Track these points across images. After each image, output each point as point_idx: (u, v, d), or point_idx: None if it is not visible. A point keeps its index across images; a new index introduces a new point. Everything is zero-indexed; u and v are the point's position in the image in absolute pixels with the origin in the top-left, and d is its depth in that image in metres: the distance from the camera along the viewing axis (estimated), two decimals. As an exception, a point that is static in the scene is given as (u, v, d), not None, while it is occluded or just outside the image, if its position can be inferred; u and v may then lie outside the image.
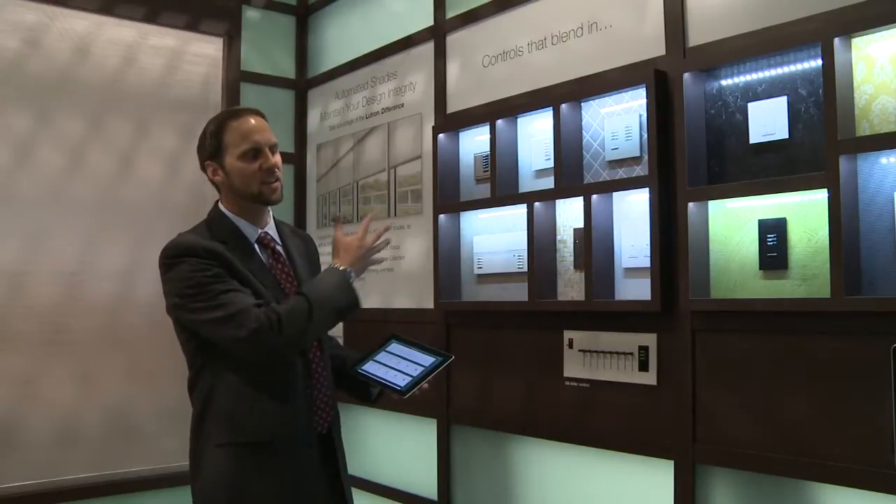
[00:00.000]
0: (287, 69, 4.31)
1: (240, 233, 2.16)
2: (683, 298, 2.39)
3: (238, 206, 2.18)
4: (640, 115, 2.59)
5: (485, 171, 3.12)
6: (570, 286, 2.81)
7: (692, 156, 2.40)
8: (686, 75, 2.40)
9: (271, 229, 2.25)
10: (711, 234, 2.41)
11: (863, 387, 2.03)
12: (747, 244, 2.31)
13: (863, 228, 2.07)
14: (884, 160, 2.05)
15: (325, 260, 2.29)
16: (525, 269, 2.90)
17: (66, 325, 3.53)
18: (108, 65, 3.72)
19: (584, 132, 2.78)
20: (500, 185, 2.97)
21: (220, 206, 2.21)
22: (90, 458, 3.54)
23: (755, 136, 2.29)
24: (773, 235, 2.24)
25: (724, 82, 2.39)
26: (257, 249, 2.18)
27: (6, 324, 3.39)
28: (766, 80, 2.29)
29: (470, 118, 3.18)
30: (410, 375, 2.16)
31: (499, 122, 2.98)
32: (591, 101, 2.75)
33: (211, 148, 2.17)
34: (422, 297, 3.44)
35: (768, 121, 2.26)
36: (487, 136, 3.02)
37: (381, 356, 2.26)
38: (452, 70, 3.35)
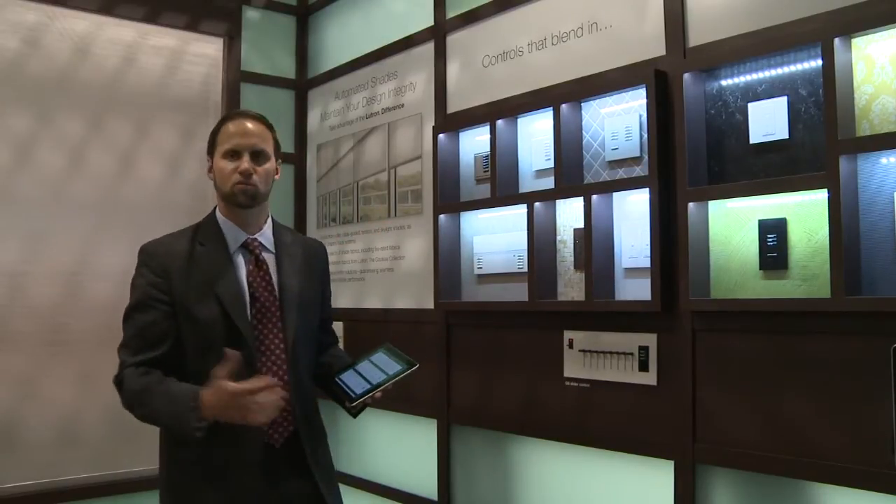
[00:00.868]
0: (287, 69, 4.31)
1: (221, 238, 2.20)
2: (683, 298, 2.39)
3: (225, 207, 2.22)
4: (641, 116, 2.59)
5: (485, 172, 3.12)
6: (571, 286, 2.81)
7: (692, 156, 2.40)
8: (686, 75, 2.40)
9: (264, 236, 2.25)
10: (711, 235, 2.41)
11: (863, 387, 2.03)
12: (747, 244, 2.32)
13: (863, 228, 2.07)
14: (884, 160, 2.05)
15: (340, 269, 2.28)
16: (525, 269, 2.90)
17: (66, 325, 3.53)
18: (109, 65, 3.72)
19: (584, 132, 2.78)
20: (501, 185, 2.97)
21: (216, 209, 2.26)
22: (90, 458, 3.54)
23: (755, 137, 2.29)
24: (774, 235, 2.24)
25: (724, 82, 2.39)
26: (237, 256, 2.19)
27: (6, 324, 3.39)
28: (767, 81, 2.29)
29: (470, 118, 3.18)
30: (370, 384, 2.13)
31: (499, 122, 2.98)
32: (592, 102, 2.75)
33: (209, 146, 2.24)
34: (422, 298, 3.44)
35: (768, 121, 2.26)
36: (487, 137, 3.03)
37: (362, 365, 2.23)
38: (452, 70, 3.35)
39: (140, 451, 3.62)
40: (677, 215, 2.42)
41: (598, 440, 2.67)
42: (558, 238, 2.86)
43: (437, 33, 3.41)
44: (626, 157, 2.64)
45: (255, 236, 2.23)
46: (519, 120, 3.00)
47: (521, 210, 2.90)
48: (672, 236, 2.45)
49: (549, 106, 2.80)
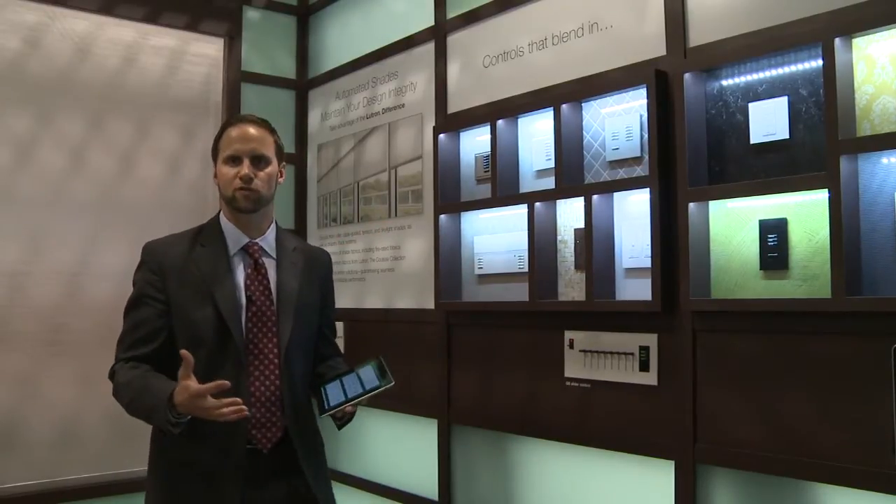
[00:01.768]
0: (288, 69, 4.31)
1: (222, 240, 2.22)
2: (684, 299, 2.39)
3: (229, 211, 2.24)
4: (641, 116, 2.59)
5: (485, 172, 3.12)
6: (571, 286, 2.81)
7: (693, 156, 2.40)
8: (687, 75, 2.40)
9: (266, 241, 2.27)
10: (712, 235, 2.41)
11: (863, 387, 2.03)
12: (748, 244, 2.32)
13: (863, 229, 2.07)
14: (885, 160, 2.05)
15: (341, 269, 2.27)
16: (526, 269, 2.90)
17: (66, 326, 3.53)
18: (109, 65, 3.72)
19: (584, 132, 2.78)
20: (501, 185, 2.97)
21: (220, 212, 2.28)
22: (91, 458, 3.54)
23: (756, 137, 2.29)
24: (774, 236, 2.24)
25: (724, 82, 2.39)
26: (236, 259, 2.21)
27: (6, 324, 3.39)
28: (767, 81, 2.29)
29: (471, 118, 3.18)
30: (345, 397, 2.13)
31: (499, 122, 2.98)
32: (592, 102, 2.75)
33: (213, 150, 2.26)
34: (422, 298, 3.44)
35: (769, 121, 2.26)
36: (488, 137, 3.02)
37: (349, 377, 2.21)
38: (453, 70, 3.35)
39: (140, 451, 3.57)
40: (678, 215, 2.42)
41: (599, 440, 2.67)
42: (559, 238, 2.86)
43: (438, 33, 3.41)
44: (626, 157, 2.64)
45: (257, 240, 2.24)
46: (519, 120, 3.00)
47: (521, 210, 2.90)
48: (672, 236, 2.45)
49: (550, 106, 2.80)
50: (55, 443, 3.46)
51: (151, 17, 3.82)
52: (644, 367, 2.54)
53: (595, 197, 2.63)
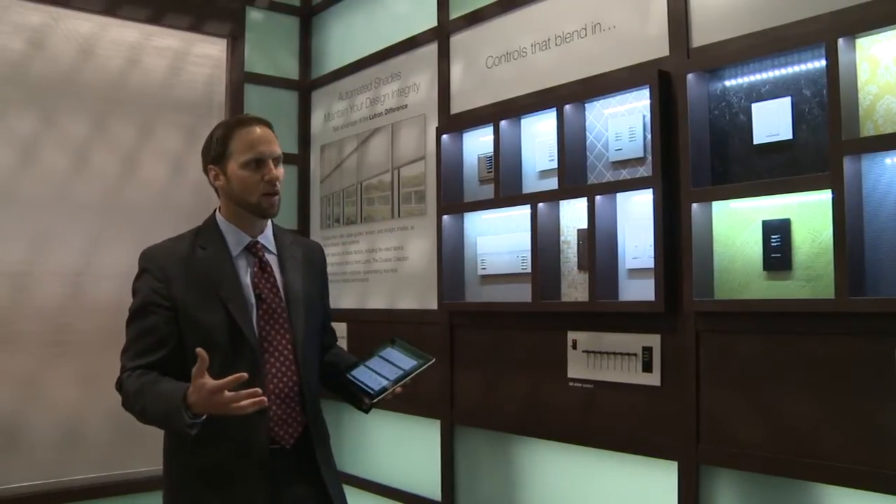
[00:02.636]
0: (291, 70, 4.31)
1: (223, 241, 2.19)
2: (687, 299, 2.39)
3: (234, 213, 2.21)
4: (644, 116, 2.59)
5: (488, 172, 3.12)
6: (574, 287, 2.81)
7: (696, 156, 2.40)
8: (690, 76, 2.40)
9: (266, 238, 2.26)
10: (715, 235, 2.41)
11: (867, 388, 2.03)
12: (751, 245, 2.31)
13: (867, 229, 2.06)
14: (888, 161, 2.05)
15: (332, 270, 2.27)
16: (529, 269, 2.90)
17: (70, 326, 3.54)
18: (112, 66, 3.73)
19: (587, 133, 2.78)
20: (504, 185, 2.97)
21: (217, 213, 2.25)
22: (95, 459, 3.55)
23: (759, 137, 2.29)
24: (777, 236, 2.24)
25: (727, 83, 2.39)
26: (240, 259, 2.19)
27: (10, 324, 3.40)
28: (770, 81, 2.29)
29: (474, 119, 3.18)
30: (387, 379, 2.12)
31: (502, 122, 2.98)
32: (595, 102, 2.75)
33: (216, 153, 2.19)
34: (425, 298, 3.44)
35: (772, 121, 2.26)
36: (491, 137, 3.02)
37: (373, 361, 2.22)
38: (456, 71, 3.35)
39: (144, 451, 3.62)
40: (681, 216, 2.42)
41: (602, 441, 2.67)
42: (562, 239, 2.86)
43: (441, 34, 3.41)
44: (629, 157, 2.64)
45: (258, 239, 2.23)
46: (522, 120, 3.00)
47: (524, 211, 2.90)
48: (676, 237, 2.44)
49: (553, 106, 2.80)
50: (59, 443, 3.47)
51: (155, 18, 3.83)
52: (647, 367, 2.54)
53: (598, 197, 2.63)
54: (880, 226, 2.05)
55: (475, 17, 3.25)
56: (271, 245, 2.27)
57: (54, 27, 3.57)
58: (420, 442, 3.44)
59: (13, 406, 3.38)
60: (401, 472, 3.56)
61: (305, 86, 4.31)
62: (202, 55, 4.00)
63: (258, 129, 2.16)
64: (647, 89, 2.52)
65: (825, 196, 2.09)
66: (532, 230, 2.83)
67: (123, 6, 3.73)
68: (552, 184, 2.83)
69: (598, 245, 2.62)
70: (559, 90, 2.87)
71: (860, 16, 2.06)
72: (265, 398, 1.92)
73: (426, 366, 2.12)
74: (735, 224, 2.36)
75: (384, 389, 2.10)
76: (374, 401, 2.12)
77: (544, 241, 2.82)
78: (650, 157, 2.54)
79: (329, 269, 2.55)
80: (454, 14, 3.36)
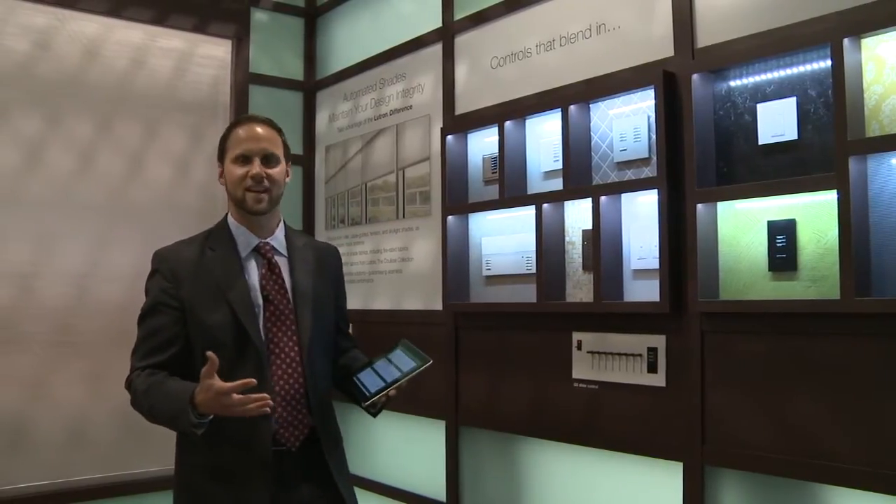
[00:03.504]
0: (295, 71, 4.32)
1: (232, 243, 2.21)
2: (692, 300, 2.39)
3: (238, 213, 2.24)
4: (649, 117, 2.59)
5: (493, 173, 3.12)
6: (579, 287, 2.81)
7: (701, 157, 2.40)
8: (695, 76, 2.40)
9: (276, 240, 2.26)
10: (720, 236, 2.40)
11: (873, 388, 2.03)
12: (756, 245, 2.31)
13: (873, 230, 2.06)
14: (894, 161, 2.04)
15: (349, 270, 2.27)
16: (533, 270, 2.90)
17: (75, 327, 3.55)
18: (118, 67, 3.74)
19: (592, 133, 2.78)
20: (509, 186, 2.97)
21: (228, 215, 2.27)
22: (101, 459, 3.55)
23: (764, 137, 2.28)
24: (783, 237, 2.23)
25: (732, 83, 2.39)
26: (249, 260, 2.20)
27: (16, 325, 3.41)
28: (775, 81, 2.29)
29: (478, 119, 3.18)
30: (384, 381, 2.12)
31: (507, 123, 2.98)
32: (600, 103, 2.75)
33: (219, 151, 2.25)
34: (430, 299, 3.44)
35: (777, 122, 2.25)
36: (496, 138, 3.02)
37: (380, 363, 2.22)
38: (461, 71, 3.35)
39: (150, 451, 3.63)
40: (686, 216, 2.41)
41: (607, 442, 2.67)
42: (567, 239, 2.85)
43: (446, 34, 3.41)
44: (634, 158, 2.64)
45: (268, 240, 2.24)
46: (527, 121, 3.00)
47: (529, 211, 2.90)
48: (681, 237, 2.44)
49: (558, 107, 2.80)
50: (65, 443, 3.48)
51: (160, 19, 3.84)
52: (652, 368, 2.54)
53: (603, 198, 2.63)
54: (886, 226, 2.04)
55: (480, 18, 3.25)
56: (282, 247, 2.27)
57: (60, 28, 3.58)
58: (425, 443, 3.44)
59: (19, 406, 3.39)
60: (406, 472, 3.56)
61: (310, 86, 4.32)
62: (207, 56, 4.01)
63: (251, 127, 2.20)
64: (652, 90, 2.52)
65: (831, 196, 2.09)
66: (537, 231, 2.83)
67: (128, 7, 3.74)
68: (557, 184, 2.83)
69: (603, 246, 2.62)
70: (564, 91, 2.87)
71: (866, 16, 2.06)
72: (271, 402, 1.94)
73: (422, 368, 2.11)
74: (740, 224, 2.36)
75: (378, 392, 2.11)
76: (367, 403, 2.13)
77: (549, 241, 2.82)
78: (655, 158, 2.54)
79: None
80: (459, 15, 3.36)
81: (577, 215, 2.82)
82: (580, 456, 2.78)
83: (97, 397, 3.54)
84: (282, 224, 2.31)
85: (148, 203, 3.77)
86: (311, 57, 4.33)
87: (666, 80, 2.48)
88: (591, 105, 2.77)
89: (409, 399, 3.28)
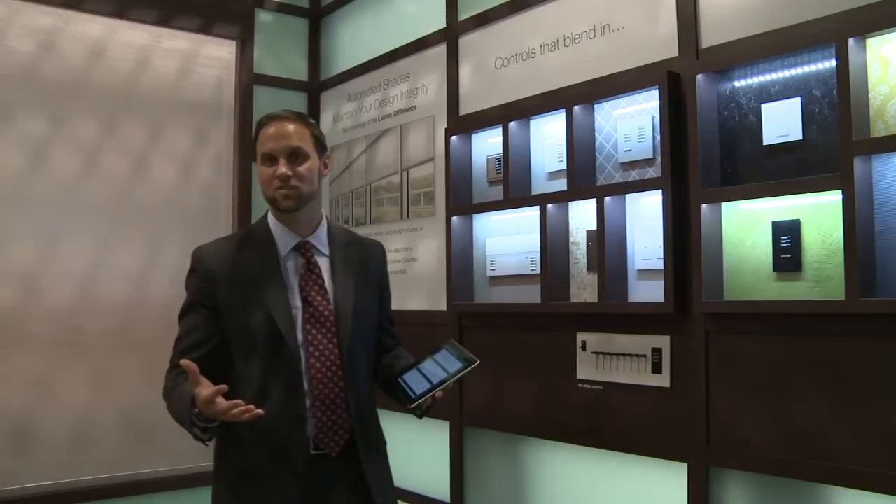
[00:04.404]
0: (300, 72, 4.32)
1: (271, 242, 2.15)
2: (697, 300, 2.39)
3: (275, 211, 2.18)
4: (653, 117, 2.58)
5: (497, 173, 3.12)
6: (583, 288, 2.81)
7: (705, 157, 2.39)
8: (699, 77, 2.39)
9: (317, 238, 2.19)
10: (725, 236, 2.40)
11: (878, 389, 2.02)
12: (761, 246, 2.31)
13: (878, 230, 2.05)
14: (899, 161, 2.04)
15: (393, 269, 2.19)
16: (538, 270, 2.90)
17: (80, 327, 3.56)
18: (122, 68, 3.75)
19: (596, 134, 2.78)
20: (513, 186, 2.97)
21: (268, 212, 2.21)
22: (105, 460, 3.56)
23: (769, 138, 2.28)
24: (787, 237, 2.23)
25: (737, 83, 2.39)
26: (288, 260, 2.15)
27: (21, 326, 3.42)
28: (780, 82, 2.28)
29: (482, 120, 3.18)
30: (430, 383, 2.06)
31: (511, 123, 2.98)
32: (604, 103, 2.75)
33: (254, 151, 2.19)
34: (434, 299, 3.44)
35: (782, 122, 2.25)
36: (500, 138, 3.02)
37: (425, 364, 2.15)
38: (465, 72, 3.35)
39: (155, 452, 3.64)
40: (690, 217, 2.41)
41: (611, 442, 2.67)
42: (571, 240, 2.85)
43: (450, 35, 3.41)
44: (638, 158, 2.63)
45: (308, 238, 2.18)
46: (531, 121, 3.00)
47: (533, 212, 2.90)
48: (685, 238, 2.44)
49: (562, 107, 2.80)
50: (70, 443, 3.49)
51: (164, 20, 3.85)
52: (656, 369, 2.53)
53: (607, 198, 2.63)
54: (891, 226, 2.04)
55: (484, 19, 3.25)
56: (323, 246, 2.20)
57: (64, 29, 3.59)
58: (429, 443, 3.44)
59: (25, 407, 3.40)
60: (410, 473, 3.56)
61: (314, 87, 4.32)
62: (211, 57, 4.01)
63: (276, 124, 2.14)
64: (657, 90, 2.52)
65: (835, 197, 2.09)
66: (541, 231, 2.83)
67: (133, 8, 3.75)
68: (561, 185, 2.83)
69: (608, 246, 2.62)
70: (568, 91, 2.87)
71: (871, 16, 2.06)
72: (260, 412, 1.87)
73: (468, 369, 2.06)
74: (745, 225, 2.35)
75: (424, 394, 2.04)
76: (413, 405, 2.06)
77: (553, 242, 2.82)
78: (659, 158, 2.54)
79: None
80: (463, 15, 3.37)
81: (582, 216, 2.82)
82: (584, 456, 2.78)
83: (102, 398, 3.55)
84: (324, 221, 2.23)
85: (152, 204, 3.78)
86: (315, 58, 4.34)
87: (670, 81, 2.47)
88: (595, 105, 2.77)
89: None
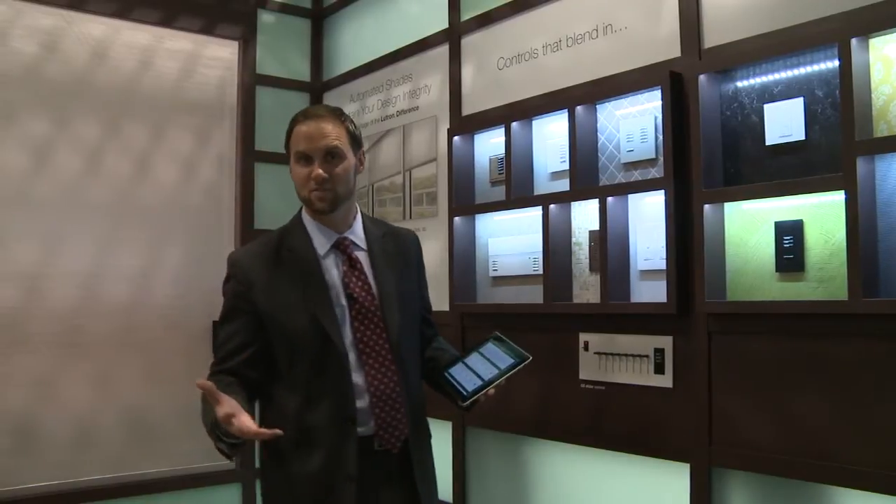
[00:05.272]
0: (302, 72, 4.33)
1: (308, 241, 2.12)
2: (699, 301, 2.39)
3: (310, 210, 2.14)
4: (656, 117, 2.58)
5: (500, 174, 3.12)
6: (586, 288, 2.80)
7: (708, 157, 2.39)
8: (701, 77, 2.39)
9: (354, 233, 2.17)
10: (727, 236, 2.40)
11: (881, 389, 2.02)
12: (763, 246, 2.30)
13: (880, 230, 2.05)
14: (902, 161, 2.04)
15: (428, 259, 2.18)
16: (540, 271, 2.90)
17: (83, 328, 3.56)
18: (125, 68, 3.75)
19: (599, 134, 2.78)
20: (516, 187, 2.97)
21: (302, 210, 2.19)
22: (108, 460, 3.56)
23: (771, 138, 2.28)
24: (790, 237, 2.23)
25: (739, 84, 2.38)
26: (328, 258, 2.11)
27: (24, 326, 3.42)
28: (783, 82, 2.28)
29: (485, 120, 3.18)
30: (482, 379, 2.04)
31: (514, 124, 2.98)
32: (607, 103, 2.75)
33: (285, 145, 2.15)
34: (437, 299, 3.41)
35: (784, 122, 2.25)
36: (502, 139, 3.02)
37: (472, 358, 2.13)
38: (467, 72, 3.35)
39: (158, 452, 3.64)
40: (693, 217, 2.41)
41: (614, 442, 2.67)
42: (573, 240, 2.85)
43: (452, 36, 3.41)
44: (641, 158, 2.63)
45: (346, 234, 2.15)
46: (534, 122, 3.00)
47: (536, 212, 2.90)
48: (687, 238, 2.44)
49: (564, 108, 2.79)
50: (73, 444, 3.49)
51: (167, 21, 3.85)
52: (659, 369, 2.53)
53: (610, 199, 2.63)
54: (894, 227, 2.04)
55: (486, 19, 3.25)
56: (360, 240, 2.17)
57: (67, 30, 3.60)
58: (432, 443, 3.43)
59: (27, 407, 3.40)
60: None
61: (317, 88, 4.32)
62: (214, 57, 4.02)
63: (311, 122, 2.08)
64: (659, 90, 2.52)
65: (838, 197, 2.09)
66: (543, 232, 2.83)
67: (135, 9, 3.75)
68: (564, 185, 2.83)
69: (610, 246, 2.62)
70: (570, 91, 2.87)
71: (873, 16, 2.05)
72: (279, 432, 1.85)
73: (521, 365, 2.04)
74: (747, 225, 2.35)
75: (477, 391, 2.02)
76: (466, 403, 2.04)
77: (556, 242, 2.82)
78: (662, 159, 2.54)
79: None
80: (465, 16, 3.36)
81: (584, 216, 2.82)
82: (587, 457, 2.78)
83: (105, 398, 3.56)
84: (359, 216, 2.21)
85: (155, 204, 3.78)
86: (317, 58, 4.34)
87: (673, 81, 2.47)
88: (597, 106, 2.77)
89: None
